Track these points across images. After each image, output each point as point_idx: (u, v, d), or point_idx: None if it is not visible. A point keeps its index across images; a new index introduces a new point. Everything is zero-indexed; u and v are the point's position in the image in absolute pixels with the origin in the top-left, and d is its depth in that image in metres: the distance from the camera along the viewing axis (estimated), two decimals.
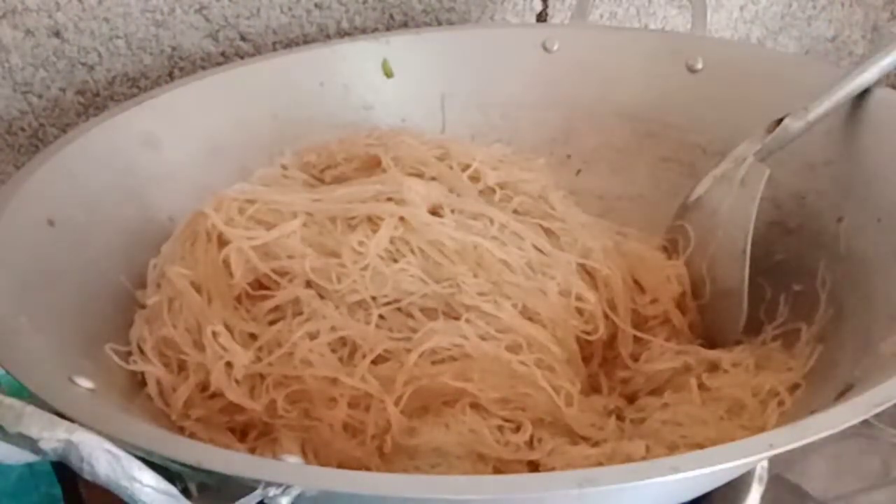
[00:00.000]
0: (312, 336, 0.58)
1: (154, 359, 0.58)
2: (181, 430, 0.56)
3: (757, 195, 0.63)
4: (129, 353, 0.59)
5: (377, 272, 0.60)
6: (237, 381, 0.56)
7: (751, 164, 0.65)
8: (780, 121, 0.64)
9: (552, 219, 0.66)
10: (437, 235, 0.61)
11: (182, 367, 0.58)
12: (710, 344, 0.64)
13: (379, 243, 0.60)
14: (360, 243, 0.60)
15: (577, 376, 0.60)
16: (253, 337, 0.59)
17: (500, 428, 0.55)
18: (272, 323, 0.60)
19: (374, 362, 0.57)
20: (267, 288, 0.61)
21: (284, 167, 0.72)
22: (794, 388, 0.57)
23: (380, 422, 0.54)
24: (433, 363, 0.57)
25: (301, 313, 0.59)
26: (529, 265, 0.62)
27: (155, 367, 0.58)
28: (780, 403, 0.57)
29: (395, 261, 0.61)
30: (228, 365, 0.57)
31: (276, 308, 0.60)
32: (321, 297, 0.60)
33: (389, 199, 0.63)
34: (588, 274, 0.64)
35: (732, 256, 0.64)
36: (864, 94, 0.64)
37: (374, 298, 0.59)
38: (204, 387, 0.57)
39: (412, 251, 0.61)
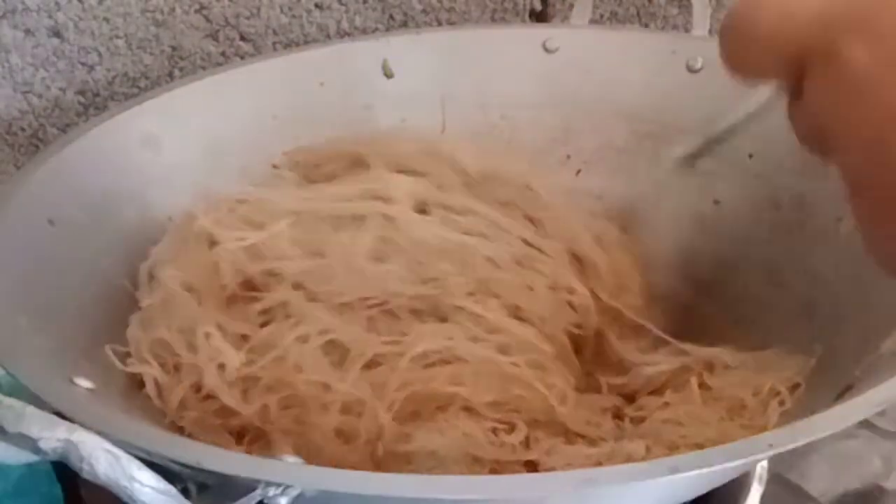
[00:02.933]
0: (303, 339, 0.58)
1: (151, 360, 0.58)
2: (181, 431, 0.56)
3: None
4: (128, 354, 0.59)
5: (363, 273, 0.59)
6: (230, 384, 0.57)
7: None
8: None
9: (537, 207, 0.66)
10: (422, 233, 0.61)
11: (177, 368, 0.58)
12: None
13: (364, 243, 0.60)
14: (347, 243, 0.60)
15: (570, 372, 0.60)
16: (245, 338, 0.59)
17: (494, 430, 0.55)
18: (264, 325, 0.60)
19: (366, 367, 0.57)
20: (258, 289, 0.61)
21: (275, 167, 0.72)
22: (795, 387, 0.57)
23: (372, 428, 0.54)
24: (425, 367, 0.57)
25: (290, 316, 0.59)
26: (517, 260, 0.62)
27: (151, 369, 0.58)
28: (781, 403, 0.56)
29: (381, 261, 0.60)
30: (221, 366, 0.57)
31: (266, 310, 0.60)
32: (310, 298, 0.60)
33: (376, 198, 0.63)
34: (577, 259, 0.64)
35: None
36: None
37: (361, 300, 0.59)
38: (198, 388, 0.57)
39: (398, 251, 0.61)
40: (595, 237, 0.66)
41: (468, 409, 0.55)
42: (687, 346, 0.63)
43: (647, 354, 0.63)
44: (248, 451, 0.55)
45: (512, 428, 0.55)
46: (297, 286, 0.60)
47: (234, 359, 0.57)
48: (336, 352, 0.58)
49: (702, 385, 0.60)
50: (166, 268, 0.61)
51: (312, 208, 0.63)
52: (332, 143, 0.72)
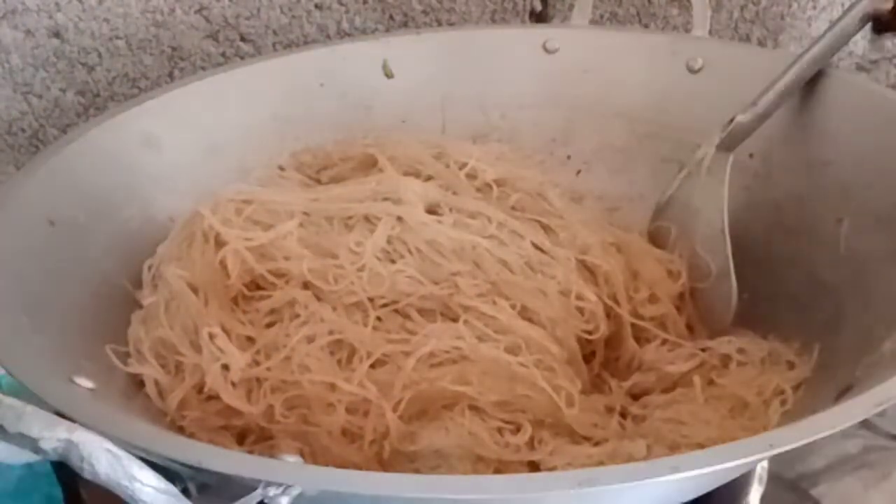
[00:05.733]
0: (310, 339, 0.58)
1: (151, 360, 0.58)
2: (181, 431, 0.56)
3: (725, 178, 0.66)
4: (128, 354, 0.59)
5: (374, 273, 0.59)
6: (234, 385, 0.56)
7: (713, 154, 0.67)
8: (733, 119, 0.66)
9: (550, 215, 0.66)
10: (435, 235, 0.61)
11: (179, 368, 0.58)
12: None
13: (376, 243, 0.60)
14: (358, 243, 0.60)
15: (577, 376, 0.60)
16: (250, 340, 0.59)
17: (499, 430, 0.55)
18: (269, 325, 0.60)
19: (372, 366, 0.57)
20: (263, 289, 0.61)
21: (281, 168, 0.72)
22: (798, 386, 0.57)
23: (378, 427, 0.54)
24: (432, 366, 0.57)
25: (298, 316, 0.59)
26: (529, 264, 0.62)
27: (152, 369, 0.58)
28: (784, 402, 0.57)
29: (393, 261, 0.61)
30: (225, 367, 0.56)
31: (273, 310, 0.60)
32: (318, 298, 0.60)
33: (386, 199, 0.63)
34: (588, 270, 0.64)
35: (714, 239, 0.66)
36: (864, 96, 0.64)
37: (371, 300, 0.59)
38: (200, 388, 0.57)
39: (409, 251, 0.61)
40: (613, 245, 0.66)
41: (474, 409, 0.55)
42: (703, 343, 0.64)
43: (665, 355, 0.63)
44: (251, 453, 0.55)
45: (518, 428, 0.55)
46: (305, 286, 0.60)
47: (240, 360, 0.57)
48: (343, 351, 0.58)
49: (711, 382, 0.60)
50: (171, 266, 0.61)
51: (321, 209, 0.63)
52: (339, 144, 0.72)
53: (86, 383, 0.49)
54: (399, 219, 0.62)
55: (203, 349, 0.57)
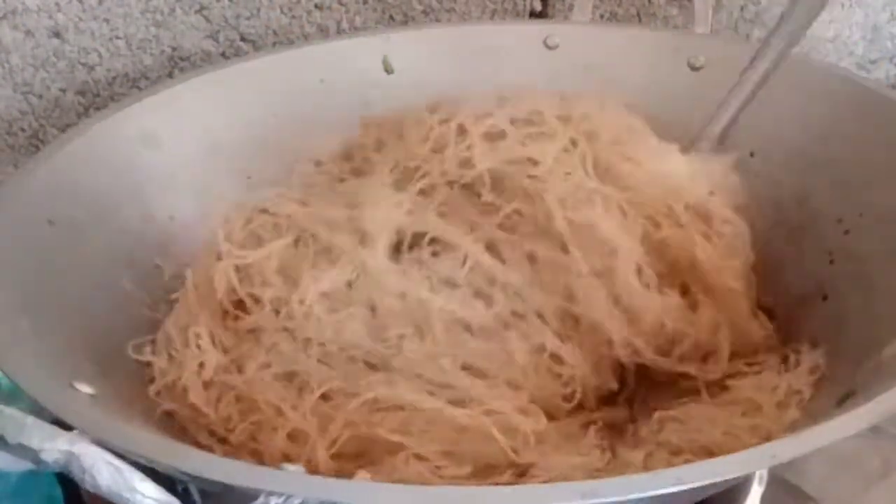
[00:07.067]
0: (265, 366, 0.58)
1: (162, 350, 0.60)
2: (183, 431, 0.56)
3: None
4: (128, 355, 0.59)
5: (318, 318, 0.59)
6: (206, 384, 0.57)
7: None
8: None
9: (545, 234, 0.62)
10: (389, 290, 0.60)
11: (172, 361, 0.59)
12: None
13: (332, 282, 0.60)
14: (316, 278, 0.60)
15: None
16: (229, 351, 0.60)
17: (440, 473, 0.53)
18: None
19: (323, 397, 0.56)
20: (246, 309, 0.62)
21: (319, 163, 0.72)
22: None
23: (312, 460, 0.53)
24: (378, 410, 0.55)
25: (260, 342, 0.60)
26: (499, 317, 0.59)
27: (156, 358, 0.59)
28: (800, 403, 0.55)
29: (340, 309, 0.60)
30: (201, 365, 0.58)
31: (251, 331, 0.61)
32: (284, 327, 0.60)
33: (356, 230, 0.62)
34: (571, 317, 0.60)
35: None
36: (864, 95, 0.64)
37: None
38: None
39: (359, 299, 0.60)
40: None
41: (419, 457, 0.53)
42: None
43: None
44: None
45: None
46: (276, 312, 0.61)
47: (212, 358, 0.58)
48: (299, 378, 0.58)
49: (724, 388, 0.58)
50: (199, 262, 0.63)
51: (310, 228, 0.64)
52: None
53: (86, 389, 0.49)
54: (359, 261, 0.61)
55: (188, 346, 0.59)
